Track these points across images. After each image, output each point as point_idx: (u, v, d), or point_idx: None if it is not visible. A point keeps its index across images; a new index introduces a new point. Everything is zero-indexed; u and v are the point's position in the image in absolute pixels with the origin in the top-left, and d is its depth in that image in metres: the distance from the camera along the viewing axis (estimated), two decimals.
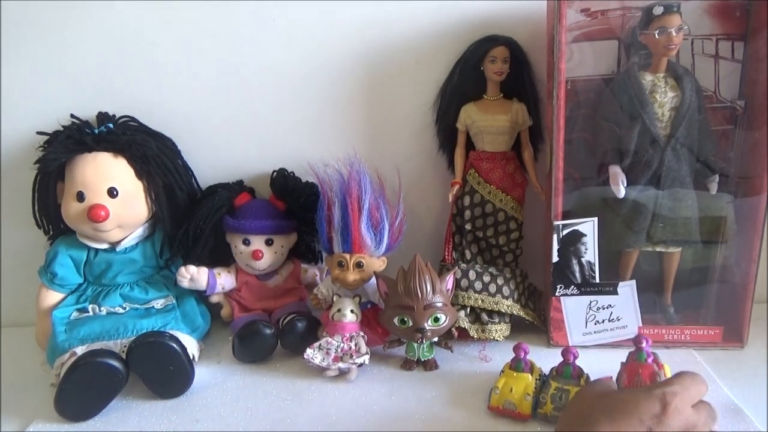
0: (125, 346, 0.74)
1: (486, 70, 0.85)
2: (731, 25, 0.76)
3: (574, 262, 0.80)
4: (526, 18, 0.86)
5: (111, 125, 0.84)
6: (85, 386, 0.69)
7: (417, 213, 0.94)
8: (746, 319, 0.80)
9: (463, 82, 0.87)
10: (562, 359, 0.70)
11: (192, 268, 0.84)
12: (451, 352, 0.80)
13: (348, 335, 0.79)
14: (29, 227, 0.85)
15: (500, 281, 0.85)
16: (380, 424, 0.69)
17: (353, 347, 0.78)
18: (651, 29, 0.74)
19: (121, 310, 0.82)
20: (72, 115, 0.85)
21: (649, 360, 0.66)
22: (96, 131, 0.83)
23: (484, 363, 0.80)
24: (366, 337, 0.80)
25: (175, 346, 0.73)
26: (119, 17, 0.86)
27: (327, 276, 0.87)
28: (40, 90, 0.89)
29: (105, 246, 0.83)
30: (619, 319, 0.81)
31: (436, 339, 0.80)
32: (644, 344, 0.67)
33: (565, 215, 0.79)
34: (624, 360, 0.69)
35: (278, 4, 0.87)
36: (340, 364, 0.77)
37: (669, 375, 0.70)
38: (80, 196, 0.79)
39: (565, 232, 0.79)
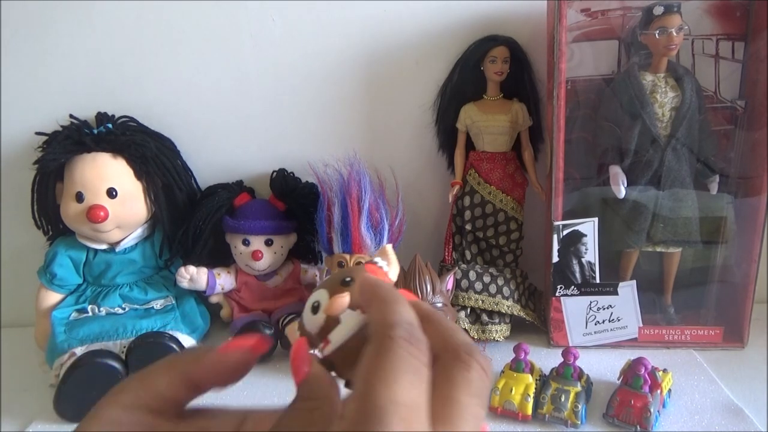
0: (125, 347, 0.74)
1: (486, 70, 0.85)
2: (732, 25, 0.76)
3: (575, 262, 0.80)
4: (526, 18, 0.86)
5: (110, 125, 0.84)
6: (85, 387, 0.69)
7: (417, 213, 0.94)
8: (746, 319, 0.80)
9: (463, 82, 0.86)
10: (562, 360, 0.70)
11: (192, 269, 0.84)
12: None
13: None
14: (29, 228, 0.85)
15: (500, 282, 0.84)
16: None
17: None
18: (651, 29, 0.74)
19: (120, 311, 0.82)
20: (71, 116, 0.85)
21: (645, 388, 0.66)
22: (95, 131, 0.82)
23: None
24: None
25: (174, 346, 0.73)
26: (119, 17, 0.86)
27: (327, 276, 0.87)
28: (39, 90, 0.88)
29: (104, 246, 0.82)
30: (619, 320, 0.81)
31: None
32: (642, 370, 0.66)
33: (566, 215, 0.79)
34: (621, 372, 0.69)
35: (278, 4, 0.87)
36: None
37: (670, 385, 0.70)
38: (79, 197, 0.79)
39: (565, 232, 0.79)
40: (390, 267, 0.35)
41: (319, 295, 0.32)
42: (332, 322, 0.31)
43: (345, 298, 0.31)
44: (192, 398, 0.30)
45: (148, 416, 0.29)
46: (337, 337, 0.30)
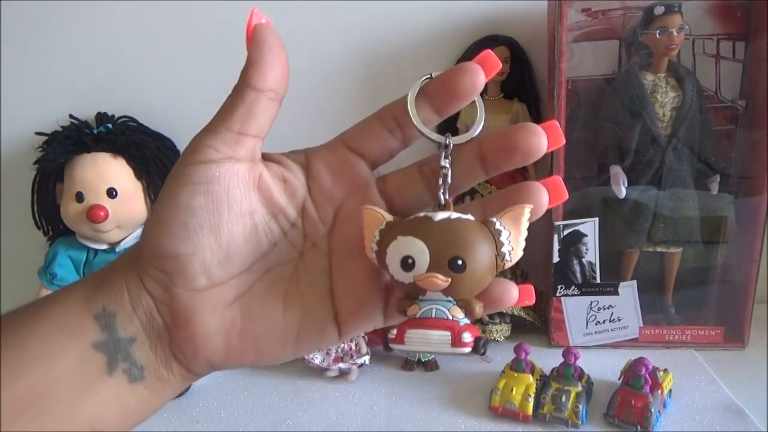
0: None
1: None
2: (732, 25, 0.76)
3: (575, 262, 0.80)
4: (527, 18, 0.85)
5: (110, 125, 0.84)
6: None
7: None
8: (747, 319, 0.80)
9: None
10: (563, 360, 0.70)
11: None
12: None
13: None
14: (29, 228, 0.84)
15: None
16: (380, 425, 0.68)
17: (353, 347, 0.78)
18: (652, 29, 0.74)
19: None
20: (71, 116, 0.85)
21: (646, 388, 0.66)
22: (95, 131, 0.82)
23: (485, 363, 0.80)
24: (366, 337, 0.79)
25: None
26: (118, 17, 0.86)
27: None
28: (39, 90, 0.88)
29: (104, 246, 0.82)
30: (620, 320, 0.81)
31: None
32: (643, 370, 0.66)
33: (566, 215, 0.79)
34: (622, 372, 0.69)
35: (278, 4, 0.87)
36: (341, 365, 0.76)
37: (671, 385, 0.70)
38: (79, 197, 0.79)
39: (566, 232, 0.79)
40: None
41: (417, 250, 0.28)
42: (418, 292, 0.29)
43: (443, 284, 0.28)
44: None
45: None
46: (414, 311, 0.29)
